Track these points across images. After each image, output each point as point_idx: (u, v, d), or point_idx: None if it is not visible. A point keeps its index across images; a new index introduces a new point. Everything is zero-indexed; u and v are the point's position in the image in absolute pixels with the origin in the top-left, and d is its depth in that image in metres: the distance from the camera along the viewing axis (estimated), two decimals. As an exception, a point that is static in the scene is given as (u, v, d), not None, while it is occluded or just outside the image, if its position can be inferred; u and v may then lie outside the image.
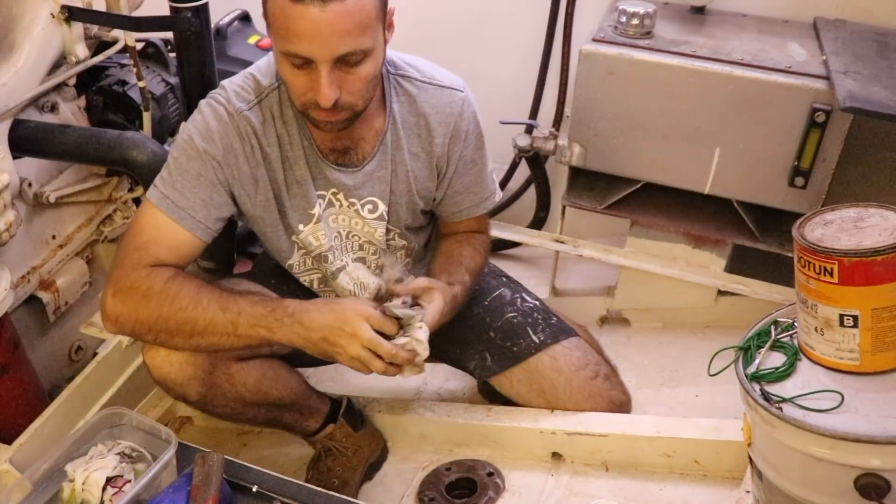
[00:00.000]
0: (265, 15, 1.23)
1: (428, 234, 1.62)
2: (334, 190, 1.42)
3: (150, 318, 1.27)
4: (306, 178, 1.39)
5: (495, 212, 2.09)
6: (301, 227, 1.43)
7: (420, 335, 1.27)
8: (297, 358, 1.54)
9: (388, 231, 1.48)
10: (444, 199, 1.52)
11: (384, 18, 1.25)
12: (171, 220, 1.32)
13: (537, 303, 1.65)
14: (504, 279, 1.69)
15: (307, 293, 1.55)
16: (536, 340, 1.57)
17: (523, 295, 1.66)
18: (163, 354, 1.33)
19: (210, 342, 1.28)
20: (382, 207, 1.45)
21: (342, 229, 1.47)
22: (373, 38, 1.22)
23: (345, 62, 1.20)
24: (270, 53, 1.37)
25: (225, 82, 1.38)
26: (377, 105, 1.38)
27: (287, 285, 1.54)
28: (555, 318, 1.62)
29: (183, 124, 1.37)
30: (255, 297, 1.32)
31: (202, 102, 1.36)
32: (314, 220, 1.42)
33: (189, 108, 1.68)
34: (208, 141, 1.32)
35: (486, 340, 1.59)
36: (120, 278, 1.29)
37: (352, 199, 1.43)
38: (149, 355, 1.35)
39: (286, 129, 1.36)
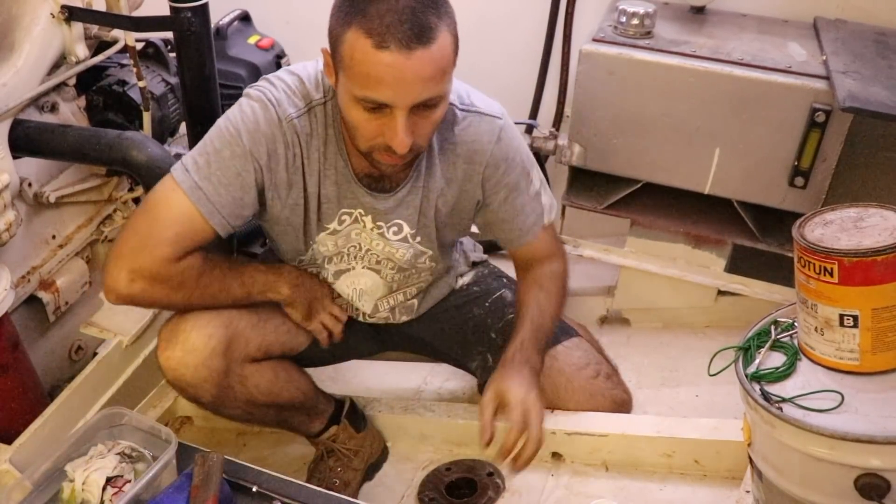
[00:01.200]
0: (337, 57, 1.18)
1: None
2: (361, 211, 1.40)
3: (176, 301, 1.34)
4: (333, 196, 1.38)
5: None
6: (317, 236, 1.43)
7: None
8: (303, 359, 1.55)
9: (420, 254, 1.47)
10: (492, 227, 1.49)
11: (456, 58, 1.21)
12: (197, 212, 1.29)
13: (538, 303, 1.64)
14: (505, 280, 1.68)
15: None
16: (537, 341, 1.57)
17: (524, 296, 1.65)
18: (178, 357, 1.33)
19: (222, 304, 1.39)
20: (407, 230, 1.43)
21: (362, 243, 1.46)
22: (449, 82, 1.21)
23: (421, 107, 1.18)
24: (318, 66, 1.33)
25: (273, 78, 1.33)
26: None
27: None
28: (555, 319, 1.62)
29: (229, 111, 1.32)
30: (258, 265, 1.46)
31: (251, 92, 1.31)
32: (329, 231, 1.42)
33: (189, 108, 1.67)
34: (255, 142, 1.28)
35: (488, 342, 1.59)
36: (143, 267, 1.28)
37: (379, 223, 1.42)
38: (164, 356, 1.35)
39: (325, 147, 1.34)
